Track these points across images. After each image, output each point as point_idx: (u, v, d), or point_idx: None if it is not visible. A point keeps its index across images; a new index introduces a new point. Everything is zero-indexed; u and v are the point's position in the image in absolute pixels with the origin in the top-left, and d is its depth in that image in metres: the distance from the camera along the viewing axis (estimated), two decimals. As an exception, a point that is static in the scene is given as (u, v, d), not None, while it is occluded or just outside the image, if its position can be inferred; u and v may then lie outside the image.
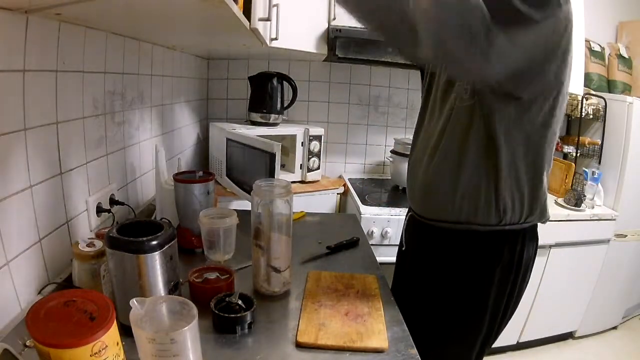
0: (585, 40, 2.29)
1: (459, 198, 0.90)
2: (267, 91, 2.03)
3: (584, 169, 2.19)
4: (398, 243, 1.18)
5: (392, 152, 2.17)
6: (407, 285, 1.08)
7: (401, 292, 1.04)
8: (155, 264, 0.69)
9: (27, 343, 0.67)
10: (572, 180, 2.21)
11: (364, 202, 1.85)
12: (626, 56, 2.42)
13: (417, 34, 0.68)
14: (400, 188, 2.10)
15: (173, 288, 0.74)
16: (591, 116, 2.19)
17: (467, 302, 0.94)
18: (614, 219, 2.09)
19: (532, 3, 0.69)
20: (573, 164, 2.20)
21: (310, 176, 2.04)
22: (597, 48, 2.41)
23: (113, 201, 1.12)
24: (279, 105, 2.07)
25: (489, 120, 0.83)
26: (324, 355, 0.72)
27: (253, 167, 1.60)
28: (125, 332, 0.59)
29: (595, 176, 2.10)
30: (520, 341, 2.18)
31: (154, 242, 0.69)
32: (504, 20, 0.67)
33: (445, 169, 0.92)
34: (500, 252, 0.91)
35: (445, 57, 0.74)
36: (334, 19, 1.93)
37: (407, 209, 1.13)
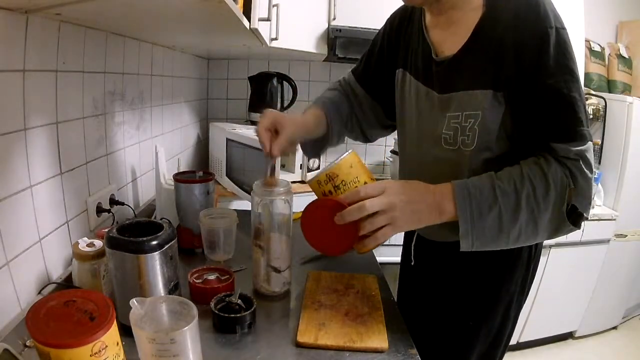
0: (585, 40, 2.29)
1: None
2: (267, 91, 2.03)
3: (584, 169, 2.18)
4: (400, 254, 1.14)
5: (392, 152, 2.17)
6: (421, 300, 1.01)
7: (413, 308, 0.99)
8: (155, 264, 0.69)
9: (27, 343, 0.67)
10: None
11: (364, 202, 1.84)
12: (626, 56, 2.42)
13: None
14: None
15: (173, 288, 0.74)
16: (591, 116, 2.19)
17: (495, 306, 0.90)
18: (614, 219, 2.09)
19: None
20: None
21: (311, 176, 2.03)
22: (597, 48, 2.41)
23: (113, 201, 1.12)
24: (279, 105, 2.07)
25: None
26: (324, 355, 0.71)
27: (253, 167, 1.60)
28: (125, 332, 0.59)
29: (595, 176, 2.10)
30: (520, 341, 2.18)
31: (154, 242, 0.69)
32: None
33: None
34: (520, 250, 0.86)
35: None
36: (334, 19, 1.93)
37: None
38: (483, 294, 0.90)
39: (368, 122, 1.07)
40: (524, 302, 0.95)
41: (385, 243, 0.71)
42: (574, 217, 0.72)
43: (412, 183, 0.73)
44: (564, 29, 0.70)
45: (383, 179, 0.78)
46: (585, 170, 0.71)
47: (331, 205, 0.70)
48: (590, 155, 0.71)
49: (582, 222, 0.73)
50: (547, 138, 0.72)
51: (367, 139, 1.12)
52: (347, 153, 0.74)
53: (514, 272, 0.88)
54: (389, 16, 1.01)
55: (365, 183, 0.73)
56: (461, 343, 0.93)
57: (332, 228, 0.69)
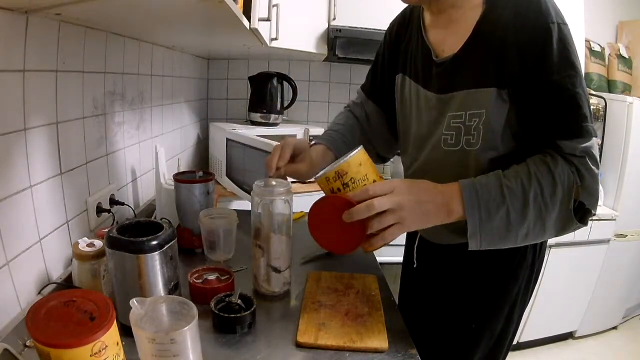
0: (585, 40, 2.29)
1: None
2: (267, 91, 2.03)
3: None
4: (402, 255, 1.15)
5: (392, 152, 2.16)
6: (423, 303, 1.01)
7: (414, 310, 0.99)
8: (155, 264, 0.69)
9: (27, 343, 0.67)
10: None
11: (364, 202, 1.84)
12: (626, 56, 2.42)
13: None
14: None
15: (173, 288, 0.74)
16: (591, 116, 2.19)
17: (499, 308, 0.89)
18: (614, 219, 2.09)
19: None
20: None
21: (311, 176, 2.04)
22: (597, 48, 2.42)
23: (113, 201, 1.12)
24: (279, 105, 2.07)
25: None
26: (324, 355, 0.71)
27: (253, 167, 1.60)
28: (125, 332, 0.59)
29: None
30: (520, 341, 2.18)
31: (154, 242, 0.69)
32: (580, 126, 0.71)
33: None
34: (524, 251, 0.86)
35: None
36: (334, 19, 1.93)
37: None
38: (487, 296, 0.89)
39: (382, 141, 1.08)
40: (528, 303, 0.94)
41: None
42: (581, 213, 0.72)
43: (421, 182, 0.73)
44: (565, 24, 0.70)
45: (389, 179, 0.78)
46: (592, 166, 0.71)
47: (339, 203, 0.69)
48: (596, 151, 0.72)
49: (589, 219, 0.73)
50: (553, 135, 0.72)
51: (383, 159, 1.13)
52: (356, 150, 0.73)
53: (519, 274, 0.88)
54: (388, 25, 1.02)
55: (374, 181, 0.72)
56: (464, 345, 0.92)
57: (340, 226, 0.68)
